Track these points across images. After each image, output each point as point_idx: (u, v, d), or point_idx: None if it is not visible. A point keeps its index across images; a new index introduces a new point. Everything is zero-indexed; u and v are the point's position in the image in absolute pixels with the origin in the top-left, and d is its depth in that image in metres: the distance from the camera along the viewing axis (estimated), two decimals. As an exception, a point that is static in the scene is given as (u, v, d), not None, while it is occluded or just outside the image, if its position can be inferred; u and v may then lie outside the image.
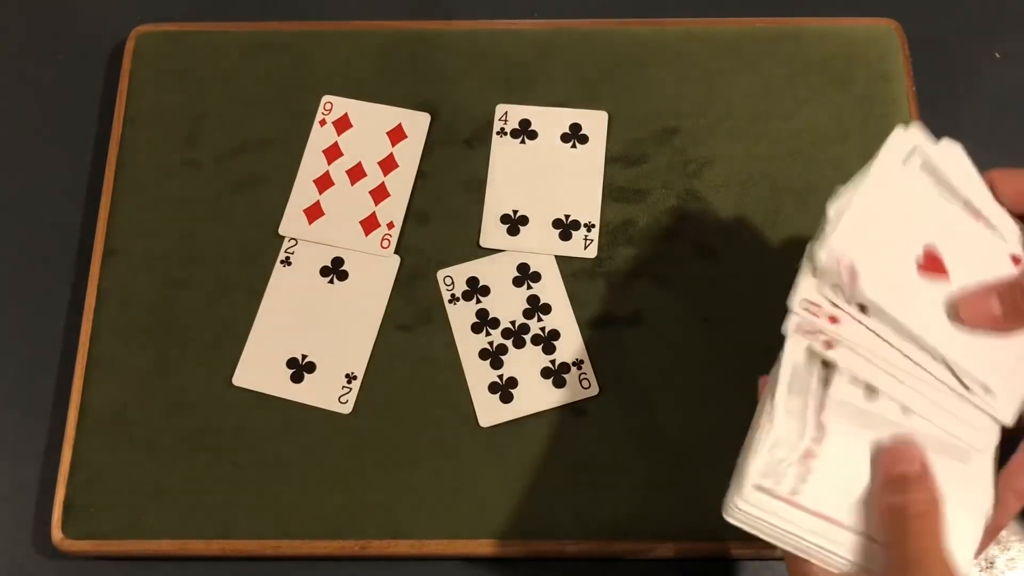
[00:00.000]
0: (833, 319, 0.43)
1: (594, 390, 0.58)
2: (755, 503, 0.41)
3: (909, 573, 0.39)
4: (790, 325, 0.43)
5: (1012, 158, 0.66)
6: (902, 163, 0.46)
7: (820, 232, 0.44)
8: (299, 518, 0.56)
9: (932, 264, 0.44)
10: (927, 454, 0.41)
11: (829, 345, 0.43)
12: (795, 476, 0.41)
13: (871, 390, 0.43)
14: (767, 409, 0.42)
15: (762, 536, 0.42)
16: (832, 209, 0.44)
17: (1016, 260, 0.45)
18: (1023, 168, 0.47)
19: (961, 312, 0.43)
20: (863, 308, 0.43)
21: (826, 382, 0.43)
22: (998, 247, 0.46)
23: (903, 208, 0.45)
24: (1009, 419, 0.43)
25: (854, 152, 0.63)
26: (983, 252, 0.45)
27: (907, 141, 0.46)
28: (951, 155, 0.47)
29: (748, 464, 0.41)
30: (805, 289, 0.44)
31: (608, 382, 0.58)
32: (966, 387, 0.43)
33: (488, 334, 0.59)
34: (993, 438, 0.44)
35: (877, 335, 0.43)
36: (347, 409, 0.58)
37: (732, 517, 0.42)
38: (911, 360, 0.43)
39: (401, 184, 0.63)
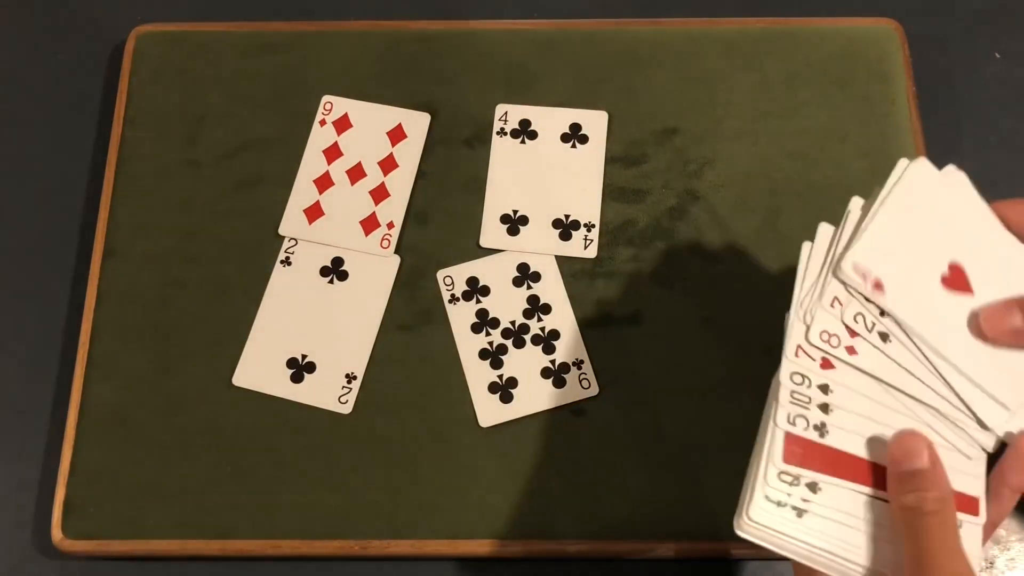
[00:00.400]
0: (851, 349, 0.43)
1: (594, 390, 0.58)
2: (766, 515, 0.41)
3: (926, 569, 0.39)
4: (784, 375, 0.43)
5: (1013, 158, 0.66)
6: (925, 182, 0.46)
7: (802, 280, 0.44)
8: (299, 518, 0.56)
9: (956, 279, 0.44)
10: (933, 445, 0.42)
11: (825, 391, 0.43)
12: (804, 486, 0.41)
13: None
14: (770, 425, 0.42)
15: (774, 549, 0.42)
16: (851, 220, 0.44)
17: None
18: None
19: (983, 325, 0.43)
20: (884, 337, 0.43)
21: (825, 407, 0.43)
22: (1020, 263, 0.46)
23: (929, 223, 0.45)
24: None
25: (854, 152, 0.63)
26: (1008, 270, 0.45)
27: (916, 173, 0.46)
28: (957, 183, 0.47)
29: (756, 478, 0.41)
30: (821, 321, 0.43)
31: (608, 382, 0.58)
32: (977, 420, 0.43)
33: (488, 334, 0.59)
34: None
35: (896, 362, 0.43)
36: (347, 409, 0.58)
37: (744, 531, 0.42)
38: (919, 390, 0.43)
39: (401, 184, 0.63)
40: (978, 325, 0.44)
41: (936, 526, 0.40)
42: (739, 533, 0.41)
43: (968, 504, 0.42)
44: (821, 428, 0.42)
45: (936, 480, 0.41)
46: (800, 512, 0.41)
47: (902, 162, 0.46)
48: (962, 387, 0.43)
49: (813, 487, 0.41)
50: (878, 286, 0.43)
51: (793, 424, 0.42)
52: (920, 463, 0.41)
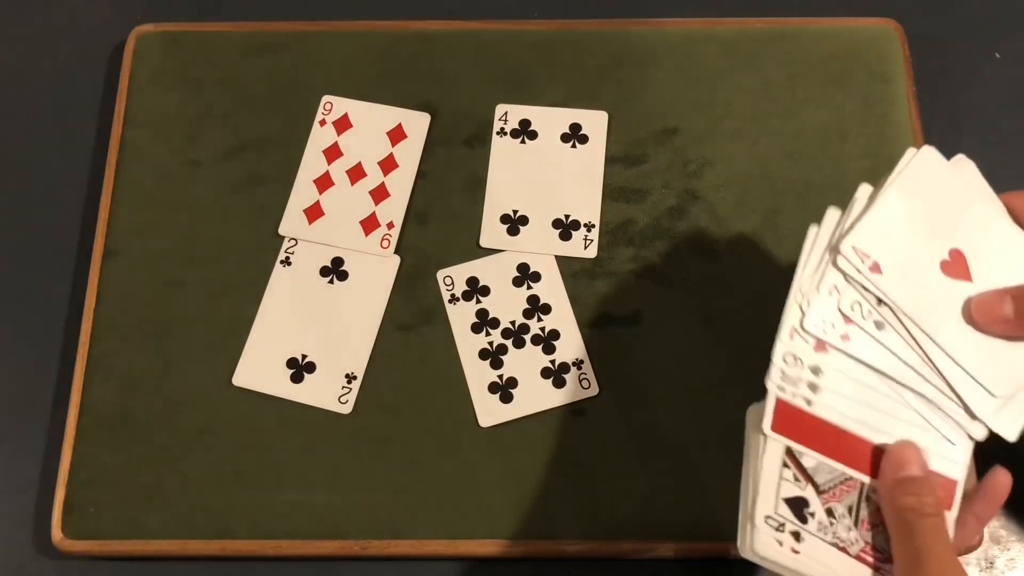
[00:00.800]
0: (845, 337, 0.43)
1: (594, 390, 0.58)
2: (765, 549, 0.41)
3: (925, 566, 0.39)
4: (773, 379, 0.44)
5: (1013, 158, 0.66)
6: (933, 169, 0.46)
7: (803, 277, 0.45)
8: (299, 518, 0.56)
9: (956, 265, 0.44)
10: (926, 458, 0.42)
11: (814, 389, 0.43)
12: (789, 534, 0.42)
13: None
14: (759, 462, 0.43)
15: (777, 571, 0.42)
16: (857, 207, 0.45)
17: None
18: None
19: (974, 312, 0.43)
20: (879, 325, 0.43)
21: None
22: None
23: (934, 209, 0.45)
24: (1012, 434, 0.44)
25: (854, 152, 0.63)
26: (1010, 261, 0.45)
27: (923, 160, 0.46)
28: (966, 171, 0.47)
29: (751, 513, 0.42)
30: (817, 307, 0.43)
31: (608, 382, 0.58)
32: (966, 408, 0.43)
33: (488, 334, 0.59)
34: (968, 449, 0.44)
35: (889, 350, 0.43)
36: (347, 409, 0.58)
37: (747, 556, 0.42)
38: (911, 379, 0.43)
39: (401, 184, 0.63)
40: (970, 312, 0.44)
41: (933, 528, 0.40)
42: (743, 555, 0.42)
43: (945, 488, 0.43)
44: (809, 403, 0.43)
45: (932, 487, 0.42)
46: (794, 551, 0.41)
47: (910, 151, 0.46)
48: (952, 374, 0.43)
49: (797, 536, 0.42)
50: (876, 268, 0.43)
51: (782, 391, 0.42)
52: (915, 471, 0.42)
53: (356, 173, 0.64)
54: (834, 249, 0.44)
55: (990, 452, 0.45)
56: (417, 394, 0.58)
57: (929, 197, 0.45)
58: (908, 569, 0.40)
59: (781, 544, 0.41)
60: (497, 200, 0.63)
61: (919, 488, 0.41)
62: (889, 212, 0.44)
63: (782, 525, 0.42)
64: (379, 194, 0.63)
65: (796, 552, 0.41)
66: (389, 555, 0.56)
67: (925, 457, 0.42)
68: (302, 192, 0.63)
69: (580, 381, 0.58)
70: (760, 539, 0.41)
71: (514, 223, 0.62)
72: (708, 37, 0.67)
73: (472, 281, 0.61)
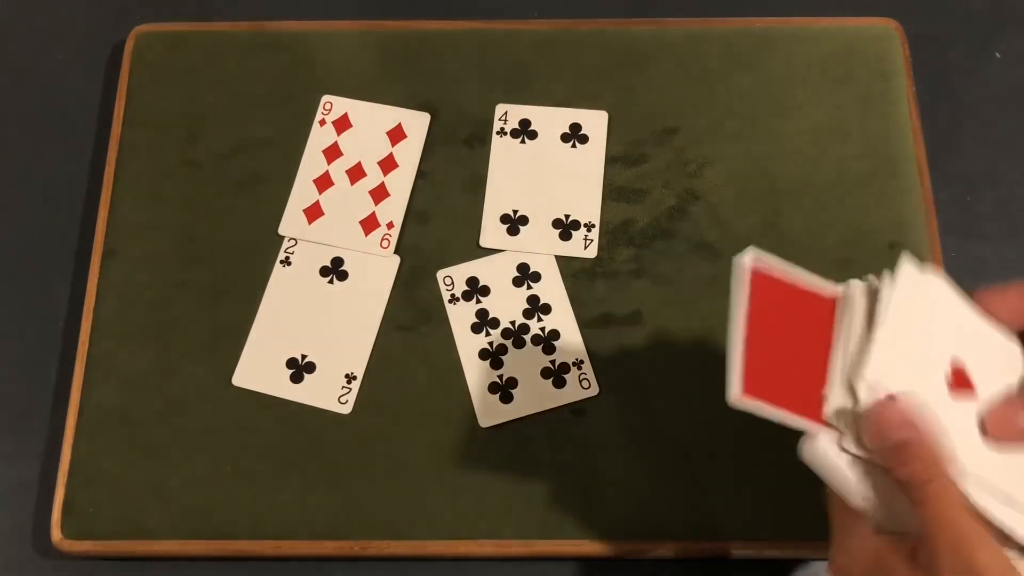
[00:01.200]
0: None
1: (594, 390, 0.58)
2: (828, 448, 0.42)
3: (940, 535, 0.39)
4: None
5: (1013, 158, 0.66)
6: (914, 286, 0.45)
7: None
8: (299, 518, 0.56)
9: (960, 381, 0.44)
10: (918, 409, 0.41)
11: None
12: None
13: None
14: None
15: (828, 478, 0.42)
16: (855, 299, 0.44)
17: None
18: (1006, 285, 0.46)
19: (990, 428, 0.43)
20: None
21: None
22: (1012, 352, 0.45)
23: (925, 326, 0.44)
24: None
25: (854, 152, 0.63)
26: (1000, 359, 0.45)
27: (905, 279, 0.45)
28: (938, 285, 0.45)
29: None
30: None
31: (608, 382, 0.58)
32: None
33: (488, 334, 0.59)
34: None
35: None
36: (347, 409, 0.58)
37: (804, 453, 0.42)
38: None
39: (401, 184, 0.63)
40: (984, 426, 0.43)
41: (936, 493, 0.40)
42: (800, 454, 0.42)
43: None
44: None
45: (921, 448, 0.41)
46: (849, 465, 0.42)
47: (885, 276, 0.45)
48: (990, 505, 0.42)
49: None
50: (892, 400, 0.42)
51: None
52: (902, 433, 0.41)
53: (356, 173, 0.64)
54: (850, 381, 0.43)
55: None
56: (417, 394, 0.58)
57: (918, 319, 0.44)
58: (926, 529, 0.40)
59: (842, 450, 0.41)
60: (497, 200, 0.63)
61: (906, 456, 0.40)
62: (890, 341, 0.43)
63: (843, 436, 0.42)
64: (379, 194, 0.63)
65: (849, 466, 0.41)
66: (389, 555, 0.56)
67: (914, 411, 0.41)
68: (302, 192, 0.63)
69: (580, 381, 0.58)
70: (822, 441, 0.41)
71: (514, 223, 0.62)
72: (708, 37, 0.67)
73: (472, 281, 0.61)
